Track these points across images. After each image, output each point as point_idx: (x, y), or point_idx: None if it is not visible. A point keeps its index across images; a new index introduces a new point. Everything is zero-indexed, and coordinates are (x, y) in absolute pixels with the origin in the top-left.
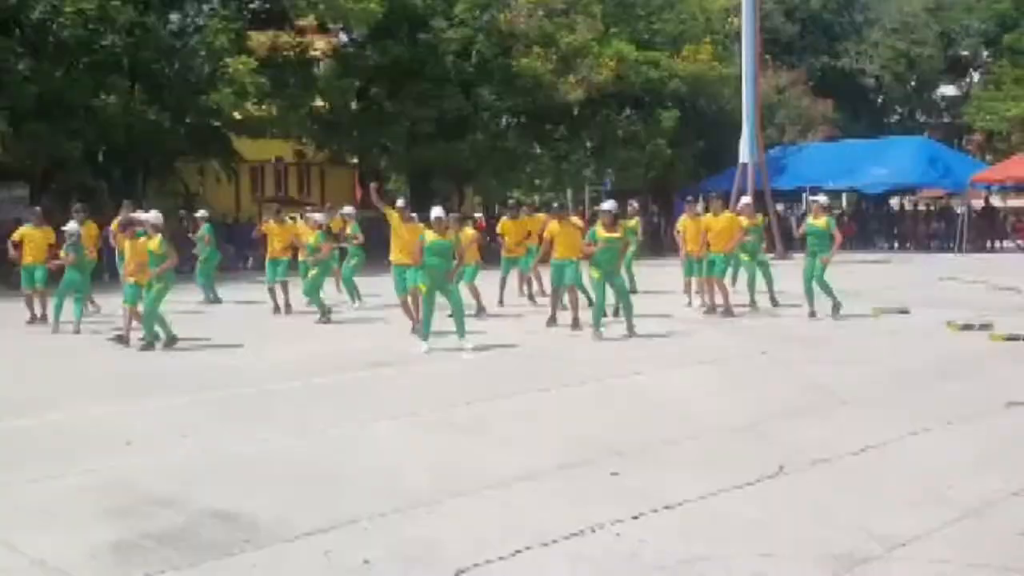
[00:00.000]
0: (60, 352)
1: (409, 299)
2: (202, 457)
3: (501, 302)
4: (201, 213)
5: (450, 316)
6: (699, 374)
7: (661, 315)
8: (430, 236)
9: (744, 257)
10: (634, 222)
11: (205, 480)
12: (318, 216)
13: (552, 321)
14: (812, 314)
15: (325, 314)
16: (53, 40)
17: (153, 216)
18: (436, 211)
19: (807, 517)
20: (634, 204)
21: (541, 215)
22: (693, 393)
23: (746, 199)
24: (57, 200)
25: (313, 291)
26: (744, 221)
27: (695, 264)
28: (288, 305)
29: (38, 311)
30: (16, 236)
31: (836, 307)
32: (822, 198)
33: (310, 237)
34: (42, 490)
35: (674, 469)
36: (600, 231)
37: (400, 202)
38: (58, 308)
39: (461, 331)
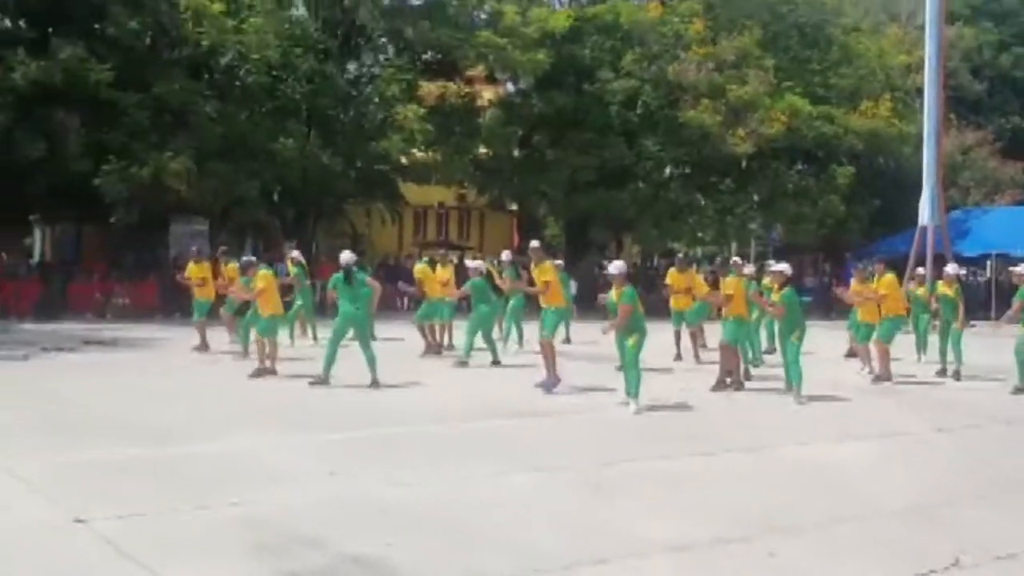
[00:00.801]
0: (220, 382)
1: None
2: (347, 497)
3: (679, 356)
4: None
5: (619, 369)
6: (868, 448)
7: (830, 381)
8: (613, 295)
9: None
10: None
11: (348, 521)
12: (476, 263)
13: (725, 383)
14: (1019, 389)
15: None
16: (239, 85)
17: (345, 257)
18: (615, 266)
19: None
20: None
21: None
22: (861, 469)
23: (952, 266)
24: (233, 236)
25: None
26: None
27: (864, 329)
28: (440, 345)
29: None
30: (187, 271)
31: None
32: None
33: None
34: (191, 521)
35: (837, 553)
36: (773, 292)
37: (534, 243)
38: (245, 337)
39: (631, 387)
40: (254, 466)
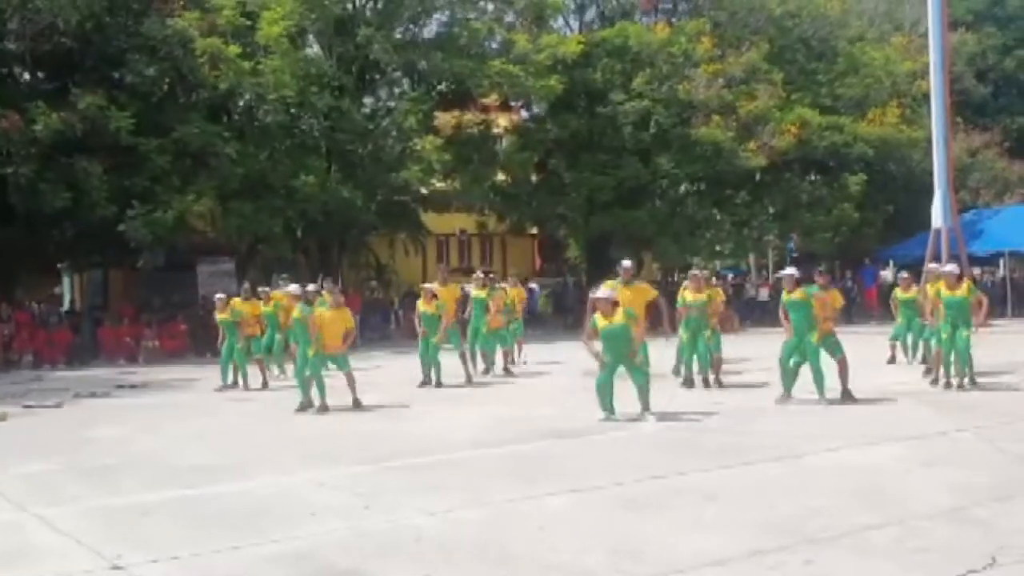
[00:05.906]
0: (250, 420)
1: None
2: (383, 529)
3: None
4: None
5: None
6: (898, 451)
7: (856, 386)
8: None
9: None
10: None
11: (386, 554)
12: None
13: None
14: None
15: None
16: (258, 125)
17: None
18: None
19: None
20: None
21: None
22: (892, 472)
23: (952, 266)
24: (261, 273)
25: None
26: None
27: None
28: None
29: (238, 379)
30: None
31: None
32: None
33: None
34: (227, 562)
35: (874, 558)
36: (785, 295)
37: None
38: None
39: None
40: (288, 502)
